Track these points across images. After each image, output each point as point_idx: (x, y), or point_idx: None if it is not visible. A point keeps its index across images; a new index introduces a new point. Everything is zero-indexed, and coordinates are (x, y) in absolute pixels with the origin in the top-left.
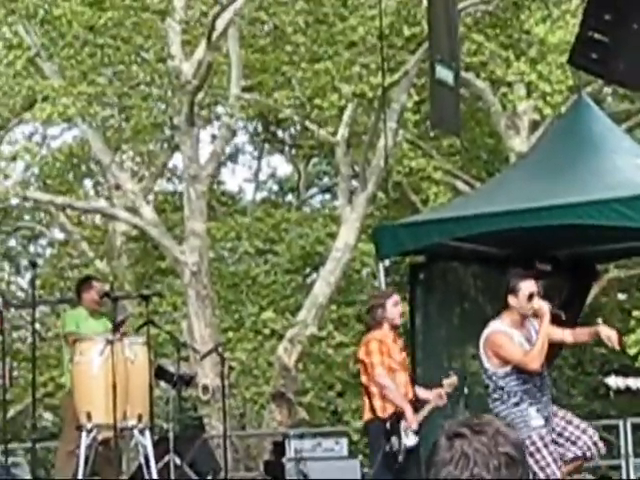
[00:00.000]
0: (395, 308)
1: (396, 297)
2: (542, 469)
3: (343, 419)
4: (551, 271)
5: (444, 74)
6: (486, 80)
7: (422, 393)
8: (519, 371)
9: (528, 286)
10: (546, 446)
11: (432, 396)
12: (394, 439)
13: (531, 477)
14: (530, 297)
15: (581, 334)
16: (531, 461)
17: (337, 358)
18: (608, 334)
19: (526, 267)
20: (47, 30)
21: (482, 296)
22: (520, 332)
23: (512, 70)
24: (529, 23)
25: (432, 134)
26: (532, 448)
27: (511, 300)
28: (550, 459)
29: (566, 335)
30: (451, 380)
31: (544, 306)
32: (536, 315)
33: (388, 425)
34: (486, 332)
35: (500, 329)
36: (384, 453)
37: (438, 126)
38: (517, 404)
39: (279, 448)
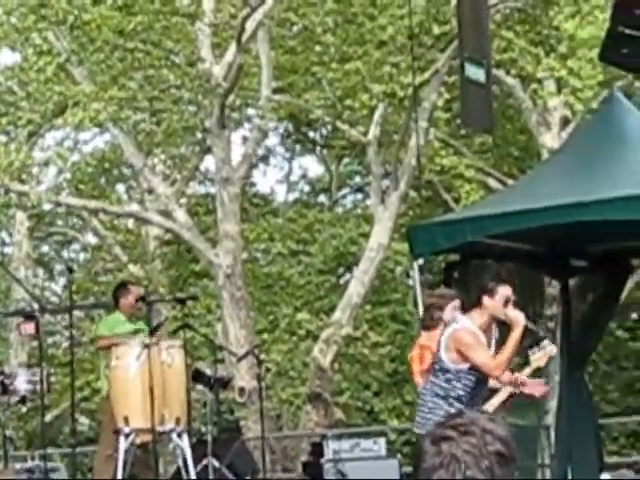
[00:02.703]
0: (454, 312)
1: (457, 303)
2: None
3: (379, 418)
4: (586, 267)
5: (473, 72)
6: (516, 77)
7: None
8: (469, 375)
9: (505, 290)
10: None
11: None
12: None
13: None
14: (506, 302)
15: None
16: None
17: (373, 358)
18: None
19: (561, 264)
20: (77, 35)
21: (516, 293)
22: (484, 336)
23: (542, 66)
24: (558, 19)
25: (463, 132)
26: None
27: (486, 300)
28: None
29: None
30: (547, 350)
31: (519, 316)
32: (503, 323)
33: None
34: (455, 326)
35: (470, 328)
36: None
37: (469, 124)
38: (447, 405)
39: (317, 449)
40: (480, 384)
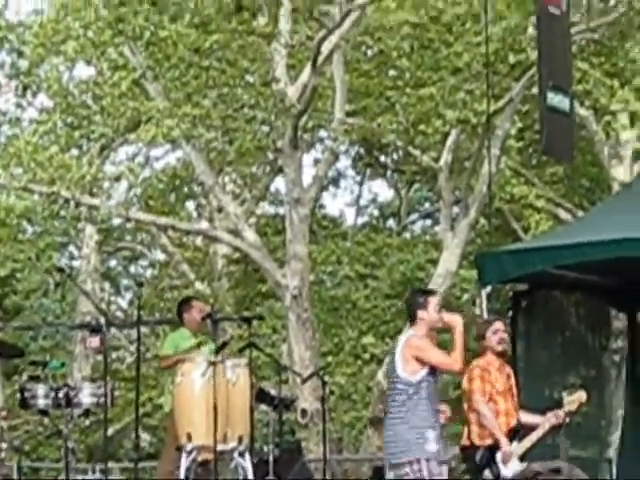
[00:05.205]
0: (495, 335)
1: (497, 325)
2: None
3: None
4: None
5: (557, 100)
6: (590, 108)
7: (528, 418)
8: (430, 382)
9: (436, 299)
10: (432, 475)
11: (542, 421)
12: (487, 471)
13: None
14: (439, 310)
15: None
16: None
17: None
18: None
19: (628, 297)
20: (153, 52)
21: (583, 325)
22: None
23: (616, 98)
24: (634, 51)
25: (534, 162)
26: (417, 474)
27: (421, 314)
28: None
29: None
30: (577, 395)
31: (454, 317)
32: (445, 328)
33: (478, 456)
34: (404, 338)
35: (419, 335)
36: None
37: (549, 153)
38: (420, 419)
39: (378, 473)
40: (437, 394)
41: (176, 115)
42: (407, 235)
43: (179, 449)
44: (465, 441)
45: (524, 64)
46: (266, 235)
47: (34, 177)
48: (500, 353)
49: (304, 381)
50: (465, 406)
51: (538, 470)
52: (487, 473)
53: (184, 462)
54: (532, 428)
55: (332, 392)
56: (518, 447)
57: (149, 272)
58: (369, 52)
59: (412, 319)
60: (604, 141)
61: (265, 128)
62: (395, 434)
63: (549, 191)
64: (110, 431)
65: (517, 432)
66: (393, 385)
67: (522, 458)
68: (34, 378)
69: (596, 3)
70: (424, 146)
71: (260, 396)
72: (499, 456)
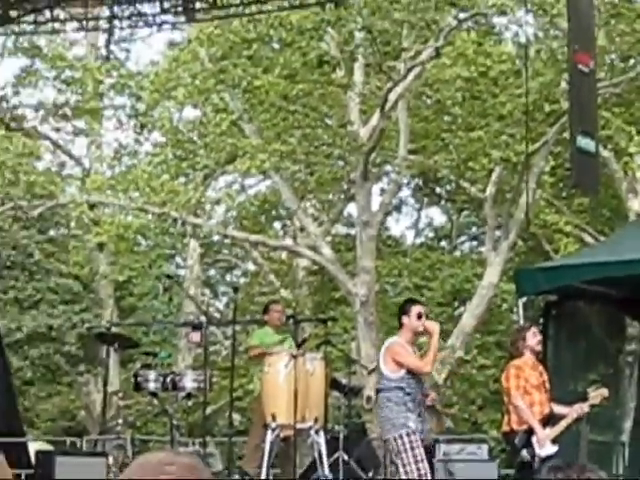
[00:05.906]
0: (535, 337)
1: (534, 329)
2: (404, 466)
3: (482, 429)
4: None
5: (584, 143)
6: (611, 150)
7: (558, 409)
8: (409, 379)
9: (417, 308)
10: (412, 449)
11: (570, 411)
12: (524, 452)
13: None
14: (419, 317)
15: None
16: (397, 459)
17: (479, 378)
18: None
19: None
20: (249, 98)
21: (603, 331)
22: (411, 348)
23: (634, 142)
24: None
25: (565, 194)
26: (401, 447)
27: (404, 319)
28: (412, 460)
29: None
30: (599, 391)
31: (433, 324)
32: (426, 332)
33: (517, 439)
34: (386, 343)
35: (398, 341)
36: (517, 463)
37: (578, 187)
38: (400, 404)
39: (430, 451)
40: (418, 386)
41: (267, 151)
42: (457, 254)
43: (265, 427)
44: (505, 427)
45: (558, 112)
46: (340, 251)
47: (148, 200)
48: (537, 352)
49: (369, 373)
50: (505, 399)
51: None
52: (525, 453)
53: (269, 437)
54: (561, 417)
55: None
56: (551, 432)
57: (242, 280)
58: (428, 101)
59: (400, 324)
60: (623, 178)
61: (340, 163)
62: (384, 417)
63: (576, 219)
64: (208, 411)
65: (550, 419)
66: (379, 379)
67: (554, 441)
68: (146, 366)
69: (618, 62)
70: (472, 179)
71: (333, 384)
72: (535, 439)
